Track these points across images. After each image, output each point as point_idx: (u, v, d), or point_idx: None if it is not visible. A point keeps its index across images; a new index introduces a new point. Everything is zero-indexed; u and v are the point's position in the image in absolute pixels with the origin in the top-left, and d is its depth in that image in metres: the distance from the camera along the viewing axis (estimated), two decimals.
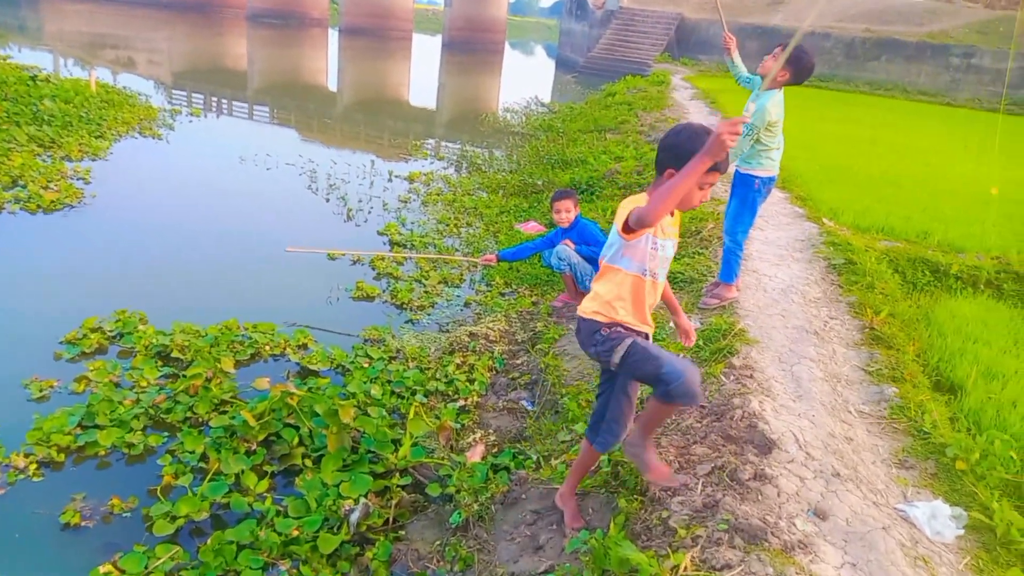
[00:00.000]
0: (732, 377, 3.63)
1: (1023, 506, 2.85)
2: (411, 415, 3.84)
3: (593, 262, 5.35)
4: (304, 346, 4.80)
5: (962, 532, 2.63)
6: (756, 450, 2.95)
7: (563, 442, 3.62)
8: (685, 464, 2.94)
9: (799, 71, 4.37)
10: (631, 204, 2.43)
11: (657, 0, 31.97)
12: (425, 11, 75.60)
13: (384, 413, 3.99)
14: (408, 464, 3.56)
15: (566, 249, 5.31)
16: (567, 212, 5.37)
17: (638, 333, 2.64)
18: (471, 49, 39.08)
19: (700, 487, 2.74)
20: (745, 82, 4.97)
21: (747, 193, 4.66)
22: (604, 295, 2.63)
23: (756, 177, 4.60)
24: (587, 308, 2.68)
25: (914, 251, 6.25)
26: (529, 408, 4.24)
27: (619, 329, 2.61)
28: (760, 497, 2.62)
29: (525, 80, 30.90)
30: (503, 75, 32.88)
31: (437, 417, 4.02)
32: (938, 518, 2.67)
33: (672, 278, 5.33)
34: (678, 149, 2.40)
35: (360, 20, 40.91)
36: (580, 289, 5.47)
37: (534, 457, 3.54)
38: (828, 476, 2.81)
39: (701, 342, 4.16)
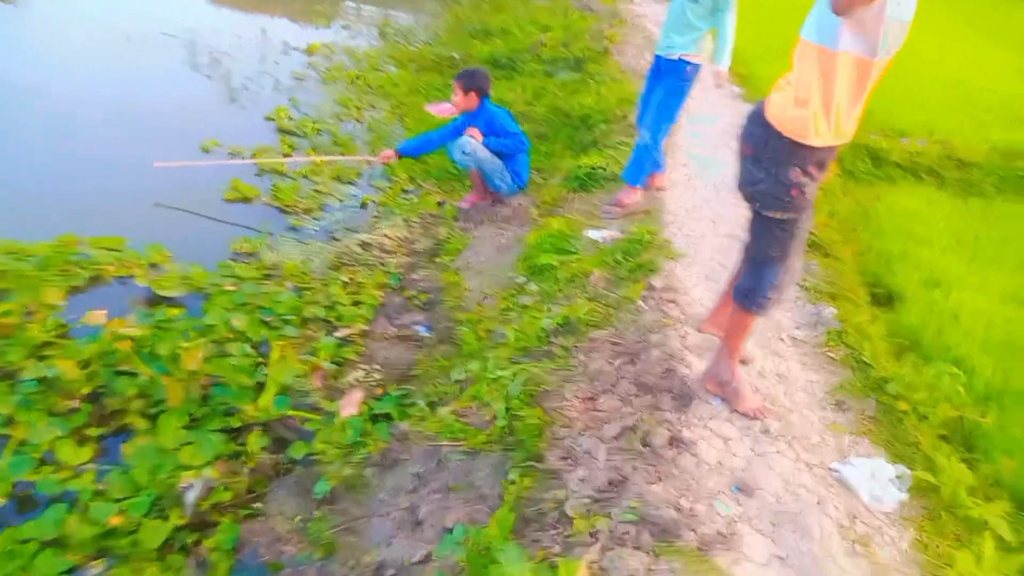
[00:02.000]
0: (652, 303, 3.12)
1: (970, 456, 2.49)
2: (274, 355, 3.22)
3: (505, 157, 4.67)
4: (156, 265, 4.04)
5: (905, 496, 2.25)
6: (674, 403, 2.47)
7: (456, 383, 3.09)
8: (591, 423, 2.45)
9: None
10: None
11: None
12: None
13: (248, 350, 3.36)
14: (269, 418, 2.98)
15: (472, 142, 4.59)
16: (455, 96, 4.62)
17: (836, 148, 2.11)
18: None
19: (606, 456, 2.26)
20: None
21: (677, 83, 3.95)
22: (808, 93, 1.99)
23: (688, 63, 3.90)
24: (785, 113, 2.04)
25: (855, 136, 5.75)
26: (425, 335, 3.68)
27: (814, 177, 2.10)
28: (676, 470, 2.16)
29: None
30: None
31: (313, 353, 3.42)
32: (877, 479, 2.28)
33: (592, 174, 4.71)
34: None
35: None
36: (489, 188, 4.81)
37: (421, 403, 3.01)
38: (756, 434, 2.37)
39: (619, 256, 3.61)
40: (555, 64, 7.63)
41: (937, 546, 2.10)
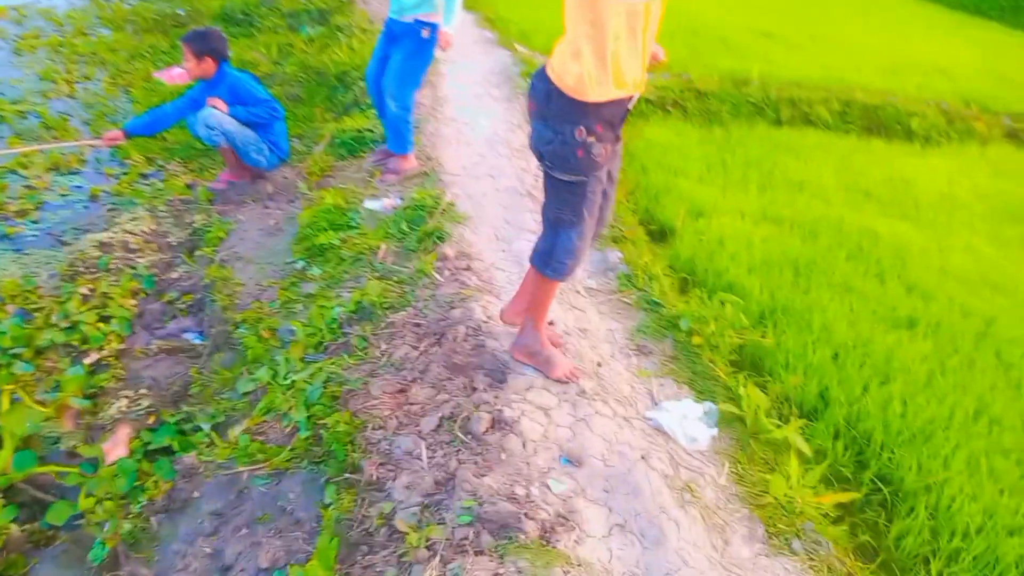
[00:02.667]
0: (447, 274, 2.96)
1: (761, 379, 2.68)
2: (4, 404, 2.62)
3: (258, 127, 4.18)
4: None
5: (716, 431, 2.35)
6: (489, 380, 2.36)
7: (245, 396, 2.73)
8: (405, 419, 2.26)
9: None
10: None
11: None
12: None
13: None
14: (12, 481, 2.43)
15: (215, 114, 4.04)
16: (188, 63, 4.06)
17: (626, 104, 2.04)
18: None
19: (428, 454, 2.10)
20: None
21: (414, 46, 3.73)
22: (579, 47, 1.90)
23: (425, 24, 3.69)
24: (564, 68, 1.96)
25: None
26: (197, 344, 3.22)
27: (602, 137, 2.01)
28: (503, 455, 2.06)
29: None
30: None
31: (57, 389, 2.84)
32: (689, 419, 2.37)
33: (359, 138, 4.40)
34: None
35: None
36: (246, 164, 4.31)
37: (205, 428, 2.62)
38: (573, 397, 2.34)
39: (405, 226, 3.40)
40: (297, 17, 7.04)
41: (752, 475, 2.22)
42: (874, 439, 2.49)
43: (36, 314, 3.27)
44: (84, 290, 3.44)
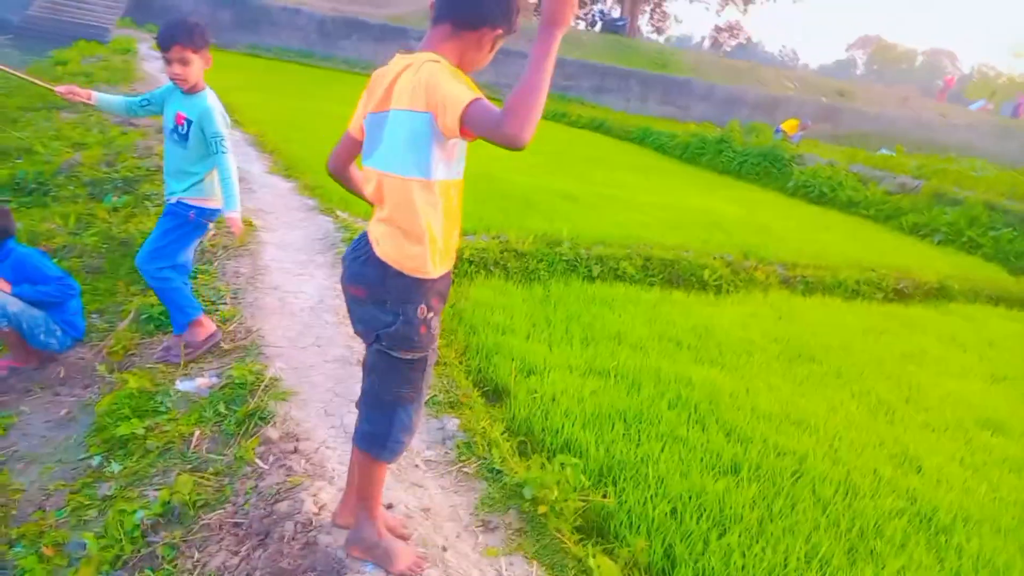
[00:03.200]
0: (271, 460, 2.72)
1: (610, 544, 2.65)
2: None
3: (45, 306, 3.77)
4: None
5: None
6: None
7: None
8: None
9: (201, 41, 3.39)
10: (455, 87, 1.76)
11: None
12: None
13: None
14: None
15: None
16: None
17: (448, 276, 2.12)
18: None
19: None
20: (146, 104, 3.60)
21: (172, 223, 3.54)
22: (420, 227, 1.94)
23: (191, 207, 3.54)
24: (402, 251, 1.97)
25: None
26: None
27: (437, 310, 2.06)
28: None
29: None
30: None
31: None
32: None
33: (164, 315, 4.09)
34: (508, 6, 1.94)
35: None
36: (33, 347, 3.83)
37: None
38: None
39: (222, 407, 3.12)
40: (100, 186, 6.66)
41: None
42: None
43: None
44: None
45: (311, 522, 2.35)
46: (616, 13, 48.79)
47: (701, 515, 2.98)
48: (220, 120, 3.46)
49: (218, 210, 3.62)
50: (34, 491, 2.93)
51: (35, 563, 2.48)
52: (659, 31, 60.29)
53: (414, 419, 2.14)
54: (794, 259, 8.14)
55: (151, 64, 15.82)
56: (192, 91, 3.45)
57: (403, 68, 1.92)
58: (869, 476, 3.61)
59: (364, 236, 2.07)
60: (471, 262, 6.01)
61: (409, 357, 2.03)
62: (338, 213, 6.30)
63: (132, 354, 3.85)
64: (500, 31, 1.97)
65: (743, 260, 7.60)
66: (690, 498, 3.07)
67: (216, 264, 4.70)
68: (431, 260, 1.97)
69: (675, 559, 2.70)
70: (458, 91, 1.75)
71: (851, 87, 39.22)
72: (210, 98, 3.48)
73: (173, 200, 3.54)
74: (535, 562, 2.47)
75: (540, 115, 1.63)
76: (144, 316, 4.12)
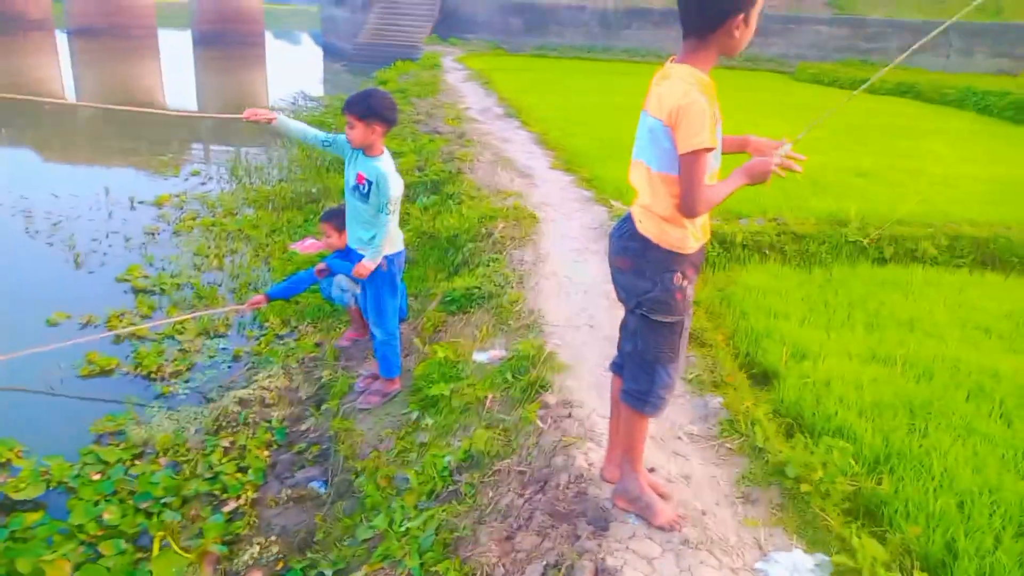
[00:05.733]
0: (549, 422, 3.11)
1: (878, 528, 2.60)
2: (155, 549, 2.91)
3: None
4: (7, 464, 3.62)
5: None
6: (592, 528, 2.43)
7: (364, 543, 2.90)
8: (512, 566, 2.35)
9: (389, 119, 3.63)
10: (700, 128, 2.02)
11: None
12: (169, 4, 68.96)
13: (124, 546, 3.02)
14: None
15: (348, 278, 4.53)
16: (327, 237, 4.62)
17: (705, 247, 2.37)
18: (227, 43, 35.89)
19: None
20: (327, 145, 3.83)
21: (381, 280, 3.85)
22: (672, 214, 2.19)
23: (385, 257, 3.80)
24: (660, 228, 2.22)
25: None
26: (322, 492, 3.46)
27: (692, 279, 2.30)
28: None
29: (294, 72, 28.89)
30: (268, 69, 30.61)
31: (200, 535, 3.12)
32: (800, 571, 2.32)
33: (468, 296, 4.76)
34: None
35: (91, 19, 35.93)
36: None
37: (328, 573, 2.79)
38: (677, 546, 2.36)
39: (509, 376, 3.61)
40: (414, 189, 7.79)
41: None
42: None
43: (184, 465, 3.64)
44: (225, 443, 3.82)
45: (582, 475, 2.68)
46: None
47: (994, 512, 2.75)
48: (394, 183, 3.63)
49: (403, 251, 3.93)
50: (371, 436, 3.68)
51: (373, 490, 3.16)
52: None
53: (673, 377, 2.38)
54: None
55: (452, 75, 17.73)
56: (371, 153, 3.64)
57: (662, 78, 2.15)
58: None
59: (628, 216, 2.33)
60: (744, 246, 5.95)
61: (668, 320, 2.26)
62: (612, 203, 6.63)
63: (439, 330, 4.56)
64: (742, 15, 2.05)
65: None
66: (982, 494, 2.84)
67: (505, 253, 5.30)
68: (686, 238, 2.21)
69: (957, 552, 2.55)
70: (691, 132, 2.02)
71: None
72: (385, 163, 3.65)
73: (364, 252, 3.79)
74: (796, 535, 2.52)
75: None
76: (447, 299, 4.83)
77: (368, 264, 3.73)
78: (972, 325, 4.70)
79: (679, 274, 2.23)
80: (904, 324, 4.65)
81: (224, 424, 4.00)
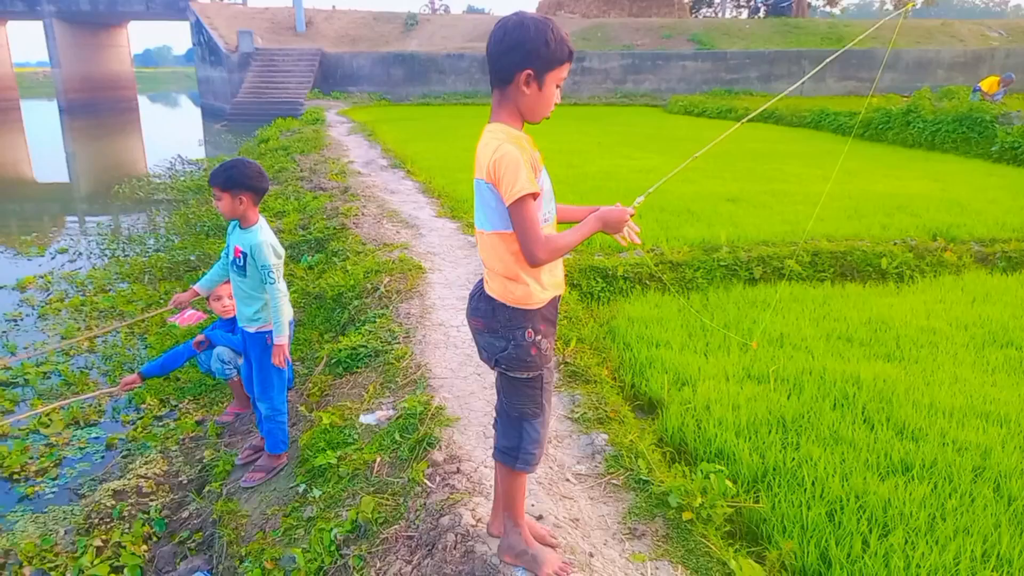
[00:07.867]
0: (437, 480, 3.07)
1: (759, 547, 2.70)
2: None
3: None
4: None
5: None
6: None
7: None
8: None
9: (254, 187, 3.55)
10: (516, 177, 2.04)
11: (293, 39, 31.32)
12: (33, 74, 65.65)
13: None
14: None
15: (229, 350, 4.37)
16: (219, 300, 4.44)
17: (558, 301, 2.37)
18: (97, 110, 34.50)
19: None
20: (225, 255, 3.81)
21: (265, 355, 3.71)
22: (513, 272, 2.21)
23: (268, 332, 3.68)
24: (505, 288, 2.23)
25: (582, 260, 6.32)
26: None
27: (546, 333, 2.29)
28: None
29: (173, 135, 27.94)
30: (145, 133, 29.55)
31: None
32: None
33: (354, 355, 4.67)
34: (530, 45, 2.05)
35: None
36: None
37: None
38: None
39: (397, 436, 3.55)
40: (297, 248, 7.64)
41: None
42: None
43: (52, 573, 3.36)
44: (98, 542, 3.55)
45: (469, 533, 2.65)
46: None
47: (861, 517, 2.91)
48: (269, 252, 3.52)
49: (292, 320, 3.78)
50: (256, 516, 3.52)
51: (258, 573, 3.01)
52: (831, 3, 56.28)
53: (541, 432, 2.38)
54: (993, 234, 7.38)
55: (336, 129, 17.65)
56: (245, 224, 3.57)
57: (483, 139, 2.20)
58: None
59: (482, 278, 2.36)
60: (626, 279, 6.16)
61: (526, 375, 2.28)
62: None
63: (326, 394, 4.45)
64: (531, 71, 2.08)
65: (930, 243, 7.03)
66: (849, 500, 3.01)
67: (391, 308, 5.26)
68: (530, 294, 2.23)
69: (830, 560, 2.68)
70: (510, 181, 2.05)
71: None
72: (261, 232, 3.56)
73: (250, 329, 3.71)
74: (680, 566, 2.58)
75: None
76: (333, 360, 4.73)
77: (282, 344, 3.60)
78: (836, 335, 5.02)
79: (530, 330, 2.24)
80: (775, 340, 4.91)
81: (97, 521, 3.72)
